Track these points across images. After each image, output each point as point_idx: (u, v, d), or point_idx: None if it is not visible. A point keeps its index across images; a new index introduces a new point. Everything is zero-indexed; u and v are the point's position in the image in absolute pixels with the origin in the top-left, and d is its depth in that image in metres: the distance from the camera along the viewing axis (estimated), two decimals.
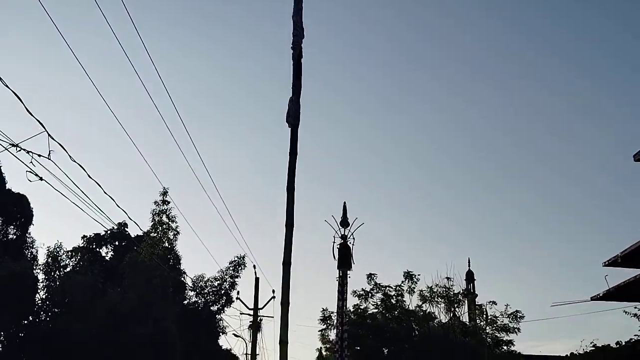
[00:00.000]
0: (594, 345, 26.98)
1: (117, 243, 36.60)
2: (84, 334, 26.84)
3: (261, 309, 29.48)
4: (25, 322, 28.84)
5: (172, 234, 31.84)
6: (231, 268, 34.36)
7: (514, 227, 76.62)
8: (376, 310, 34.09)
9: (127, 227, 34.63)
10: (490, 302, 34.45)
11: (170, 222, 31.76)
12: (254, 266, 30.07)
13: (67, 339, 26.79)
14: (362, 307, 34.02)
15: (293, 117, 11.08)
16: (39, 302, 29.39)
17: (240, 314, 30.55)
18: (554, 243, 74.95)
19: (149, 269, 28.90)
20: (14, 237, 29.70)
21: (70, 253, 32.53)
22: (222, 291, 34.36)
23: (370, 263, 58.18)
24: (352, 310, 32.55)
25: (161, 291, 29.46)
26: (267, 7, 74.42)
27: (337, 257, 18.23)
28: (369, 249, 65.06)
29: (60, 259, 30.91)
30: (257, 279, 29.65)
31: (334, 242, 18.13)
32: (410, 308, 33.78)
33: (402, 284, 33.65)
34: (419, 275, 33.64)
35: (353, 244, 18.37)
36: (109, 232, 36.12)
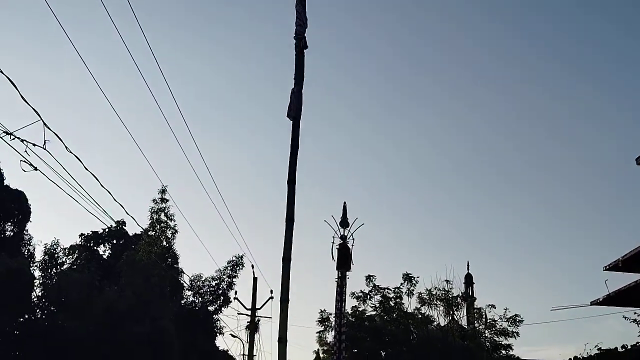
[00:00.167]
0: (599, 349, 26.89)
1: (114, 241, 36.43)
2: (80, 332, 26.69)
3: (259, 309, 29.38)
4: (21, 319, 28.68)
5: (170, 232, 31.70)
6: (229, 268, 34.18)
7: (514, 231, 76.54)
8: (374, 312, 33.96)
9: (125, 226, 34.49)
10: (489, 305, 34.40)
11: (168, 221, 31.62)
12: (252, 266, 29.97)
13: (64, 337, 26.63)
14: (360, 309, 33.91)
15: (295, 110, 10.90)
16: (35, 299, 29.24)
17: (238, 314, 30.42)
18: (554, 247, 74.96)
19: (146, 268, 28.74)
20: (11, 233, 29.56)
21: (67, 251, 32.37)
22: (220, 291, 34.17)
23: (369, 265, 58.10)
24: (350, 312, 32.43)
25: (159, 290, 29.30)
26: (270, 5, 74.19)
27: (336, 257, 18.13)
28: (368, 250, 64.99)
29: (57, 257, 30.73)
30: (255, 279, 29.54)
31: (333, 243, 18.04)
32: (409, 311, 33.68)
33: (401, 286, 33.56)
34: (418, 277, 33.58)
35: (353, 245, 18.29)
36: (106, 230, 35.99)
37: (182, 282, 34.03)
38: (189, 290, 34.85)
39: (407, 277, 33.40)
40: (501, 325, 33.67)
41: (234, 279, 34.17)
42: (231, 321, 61.81)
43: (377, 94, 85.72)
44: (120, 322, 27.13)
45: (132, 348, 26.52)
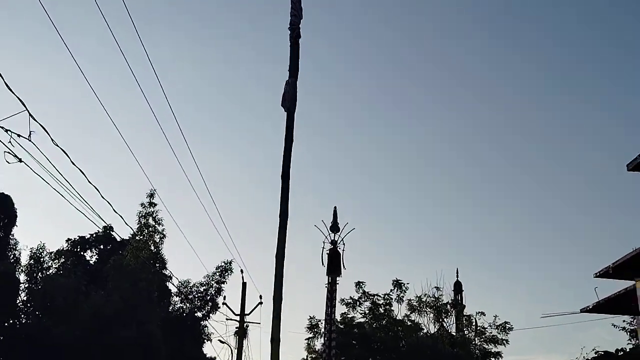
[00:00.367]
0: (596, 352, 26.93)
1: (102, 247, 36.14)
2: (67, 337, 26.42)
3: (248, 314, 29.09)
4: (6, 324, 28.32)
5: (158, 237, 31.42)
6: (218, 273, 33.92)
7: (504, 238, 76.65)
8: (364, 319, 33.79)
9: (112, 231, 34.14)
10: (479, 313, 34.34)
11: (156, 225, 31.36)
12: (242, 271, 29.71)
13: (50, 342, 26.35)
14: (349, 315, 33.71)
15: (289, 101, 10.75)
16: (20, 304, 28.89)
17: (227, 319, 30.10)
18: (544, 254, 74.99)
19: (134, 272, 28.47)
20: None
21: (53, 255, 32.03)
22: (208, 297, 33.89)
23: (358, 270, 57.88)
24: (339, 319, 32.23)
25: (146, 295, 29.03)
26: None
27: (326, 263, 18.00)
28: (358, 256, 64.78)
29: (43, 261, 30.38)
30: (244, 284, 29.28)
31: (323, 248, 17.92)
32: (399, 318, 33.53)
33: (391, 293, 33.44)
34: (408, 284, 33.49)
35: (343, 250, 18.17)
36: (93, 235, 35.68)
37: (170, 287, 33.76)
38: (176, 295, 34.56)
39: (397, 284, 33.31)
40: (491, 333, 33.63)
41: (222, 285, 33.94)
42: (220, 327, 61.53)
43: (368, 103, 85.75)
44: (107, 327, 26.88)
45: (119, 353, 26.27)
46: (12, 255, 29.44)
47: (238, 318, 29.05)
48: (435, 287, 33.76)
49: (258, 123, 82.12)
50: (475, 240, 73.83)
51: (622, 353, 27.16)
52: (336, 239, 18.32)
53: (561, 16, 79.21)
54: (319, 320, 31.89)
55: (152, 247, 31.36)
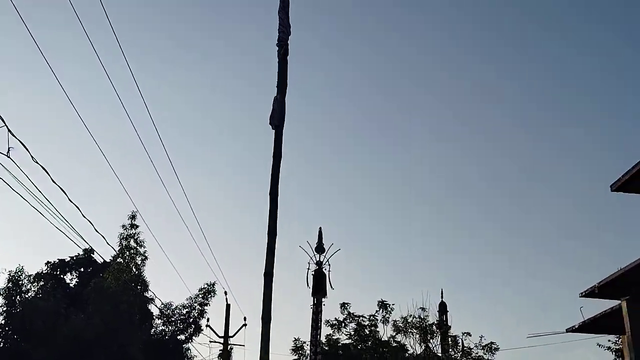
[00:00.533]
0: None
1: (82, 270, 35.53)
2: None
3: (232, 336, 28.71)
4: None
5: (140, 259, 30.97)
6: (201, 295, 33.47)
7: (490, 258, 76.50)
8: (349, 340, 33.48)
9: (93, 253, 33.57)
10: (465, 333, 34.15)
11: (138, 247, 30.93)
12: (225, 292, 29.37)
13: None
14: (334, 337, 33.40)
15: (277, 118, 10.65)
16: None
17: (210, 342, 29.67)
18: (530, 274, 74.98)
19: (115, 295, 28.00)
20: None
21: (32, 278, 31.41)
22: (191, 319, 33.39)
23: (344, 292, 57.58)
24: (324, 340, 31.91)
25: (128, 317, 28.53)
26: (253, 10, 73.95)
27: (311, 284, 17.85)
28: (343, 278, 64.46)
29: (22, 284, 29.78)
30: (228, 306, 28.95)
31: (308, 269, 17.80)
32: (384, 339, 33.25)
33: (377, 314, 33.19)
34: (393, 305, 33.26)
35: (329, 271, 18.03)
36: (74, 258, 35.11)
37: (152, 309, 33.23)
38: (159, 318, 34.01)
39: (383, 305, 33.05)
40: (477, 353, 33.41)
41: (205, 307, 33.46)
42: (203, 349, 60.71)
43: (354, 129, 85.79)
44: (88, 351, 26.38)
45: None
46: None
47: (222, 340, 28.67)
48: (420, 307, 33.56)
49: (244, 143, 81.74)
50: (460, 261, 73.64)
51: None
52: (321, 260, 18.20)
53: (545, 36, 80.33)
54: (304, 342, 31.56)
55: (134, 269, 30.90)
